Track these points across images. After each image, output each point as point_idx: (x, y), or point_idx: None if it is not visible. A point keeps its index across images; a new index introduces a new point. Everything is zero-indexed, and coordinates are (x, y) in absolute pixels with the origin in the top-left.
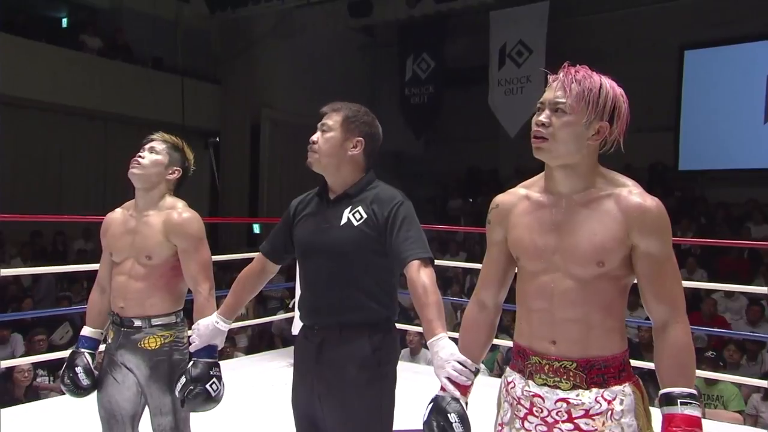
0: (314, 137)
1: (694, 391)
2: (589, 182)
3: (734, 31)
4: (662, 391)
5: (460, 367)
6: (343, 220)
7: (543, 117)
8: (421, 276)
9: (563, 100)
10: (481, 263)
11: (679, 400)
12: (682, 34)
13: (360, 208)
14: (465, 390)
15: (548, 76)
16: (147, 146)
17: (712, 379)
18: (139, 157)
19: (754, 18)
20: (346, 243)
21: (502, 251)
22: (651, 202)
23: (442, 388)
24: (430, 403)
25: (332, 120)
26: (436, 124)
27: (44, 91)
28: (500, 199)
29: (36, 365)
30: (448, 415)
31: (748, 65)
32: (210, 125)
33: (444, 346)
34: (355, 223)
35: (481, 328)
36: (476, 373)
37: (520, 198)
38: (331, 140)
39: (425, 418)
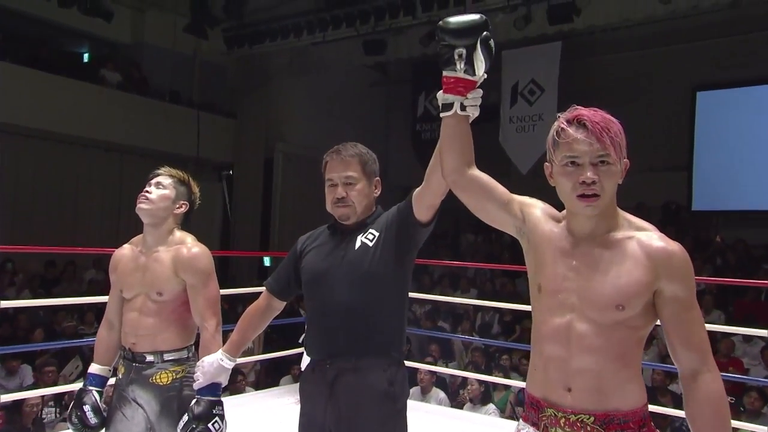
0: (342, 193)
1: None
2: (611, 224)
3: (746, 73)
4: None
5: None
6: (357, 244)
7: (591, 173)
8: None
9: (605, 152)
10: (492, 300)
11: None
12: (694, 76)
13: (371, 230)
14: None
15: (559, 119)
16: (153, 181)
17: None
18: (147, 192)
19: (766, 61)
20: (361, 263)
21: (510, 206)
22: (675, 246)
23: None
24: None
25: (354, 172)
26: None
27: (64, 124)
28: (544, 205)
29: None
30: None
31: (761, 107)
32: (224, 158)
33: None
34: (369, 245)
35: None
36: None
37: (555, 222)
38: (362, 191)
39: None
